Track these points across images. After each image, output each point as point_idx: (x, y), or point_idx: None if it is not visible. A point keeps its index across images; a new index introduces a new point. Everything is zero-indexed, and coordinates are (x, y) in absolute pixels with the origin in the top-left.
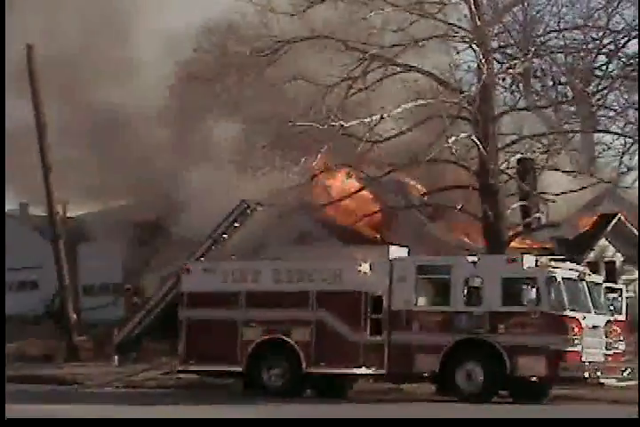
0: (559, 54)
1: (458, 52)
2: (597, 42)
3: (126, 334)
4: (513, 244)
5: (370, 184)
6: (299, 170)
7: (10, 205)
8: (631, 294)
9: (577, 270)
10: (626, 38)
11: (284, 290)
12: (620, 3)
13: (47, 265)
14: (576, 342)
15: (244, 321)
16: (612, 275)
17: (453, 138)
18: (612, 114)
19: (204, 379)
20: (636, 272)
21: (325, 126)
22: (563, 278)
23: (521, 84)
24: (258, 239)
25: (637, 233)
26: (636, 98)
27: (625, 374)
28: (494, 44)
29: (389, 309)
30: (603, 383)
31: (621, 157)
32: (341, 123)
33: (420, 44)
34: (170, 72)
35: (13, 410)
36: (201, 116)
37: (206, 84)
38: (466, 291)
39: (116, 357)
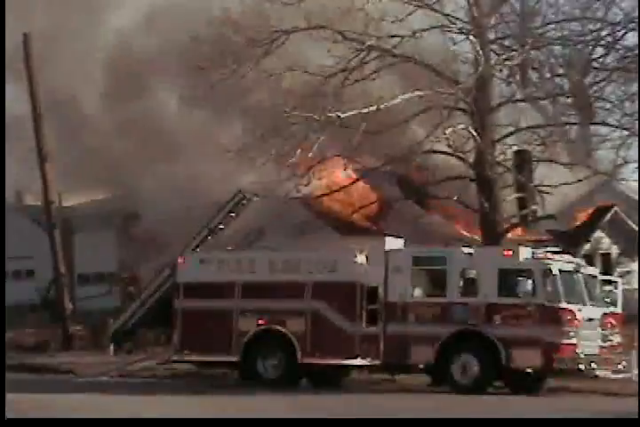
0: (557, 46)
1: (455, 44)
2: (595, 34)
3: (121, 324)
4: (509, 235)
5: (366, 175)
6: (295, 161)
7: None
8: (627, 286)
9: (573, 262)
10: (624, 30)
11: (279, 280)
12: None
13: (43, 254)
14: (571, 334)
15: (240, 311)
16: (607, 267)
17: (450, 129)
18: (609, 106)
19: (198, 369)
20: (632, 264)
21: (322, 117)
22: (559, 270)
23: (518, 76)
24: (254, 230)
25: (634, 226)
26: (633, 90)
27: (620, 366)
28: (491, 36)
29: (385, 300)
30: (598, 376)
31: (618, 150)
32: (338, 114)
33: (418, 34)
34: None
35: (8, 399)
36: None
37: (203, 74)
38: (462, 282)
39: (111, 346)
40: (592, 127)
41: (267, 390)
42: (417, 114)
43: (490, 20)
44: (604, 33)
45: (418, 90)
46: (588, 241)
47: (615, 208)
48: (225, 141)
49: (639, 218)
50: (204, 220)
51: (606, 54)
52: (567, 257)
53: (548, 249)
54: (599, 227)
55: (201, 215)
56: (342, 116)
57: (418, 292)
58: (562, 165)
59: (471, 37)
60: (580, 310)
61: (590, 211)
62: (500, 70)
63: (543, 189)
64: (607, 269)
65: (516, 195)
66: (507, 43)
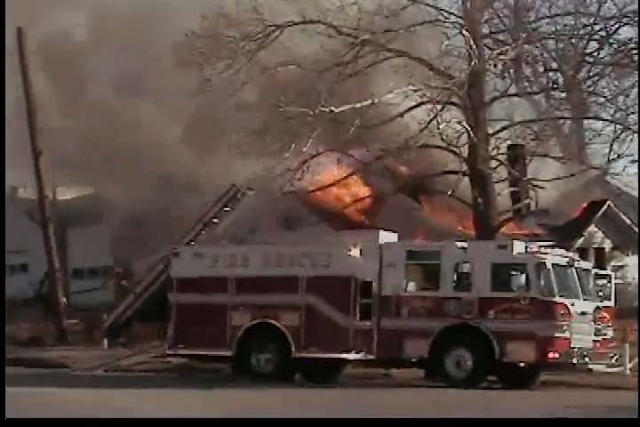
0: (550, 40)
1: (449, 38)
2: (589, 28)
3: (116, 318)
4: (503, 230)
5: (360, 169)
6: (289, 155)
7: None
8: (620, 280)
9: (566, 257)
10: (617, 25)
11: (273, 275)
12: None
13: (37, 248)
14: (565, 328)
15: (234, 306)
16: (600, 261)
17: (444, 124)
18: (602, 100)
19: (193, 363)
20: (625, 258)
21: (316, 112)
22: (552, 264)
23: (512, 71)
24: (248, 224)
25: (627, 220)
26: (627, 84)
27: (613, 360)
28: (485, 30)
29: (379, 294)
30: (591, 369)
31: (611, 144)
32: (332, 108)
33: (411, 29)
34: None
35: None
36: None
37: (197, 69)
38: (455, 276)
39: (105, 340)
40: (585, 122)
41: (260, 385)
42: (410, 108)
43: (483, 15)
44: (597, 27)
45: (411, 84)
46: (582, 235)
47: (608, 203)
48: (219, 136)
49: (639, 213)
50: (199, 214)
51: (600, 49)
52: (561, 251)
53: (542, 243)
54: (593, 221)
55: (195, 210)
56: (336, 110)
57: (412, 286)
58: (555, 159)
59: (464, 32)
60: (573, 304)
61: (584, 205)
62: (494, 65)
63: (537, 183)
64: (600, 264)
65: (510, 189)
66: (500, 37)
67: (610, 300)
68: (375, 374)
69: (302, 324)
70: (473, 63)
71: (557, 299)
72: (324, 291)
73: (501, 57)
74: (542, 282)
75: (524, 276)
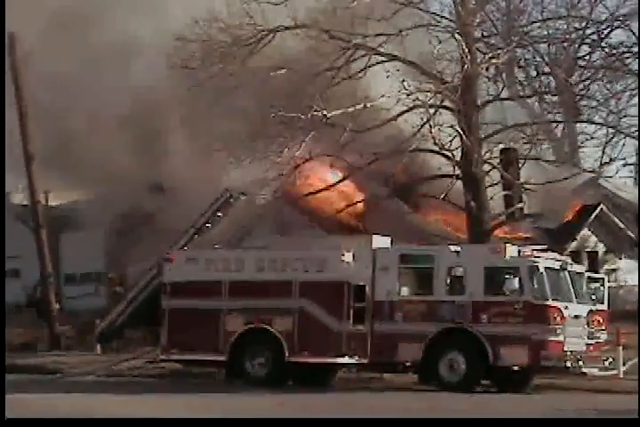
0: (542, 44)
1: (441, 42)
2: (580, 32)
3: (108, 323)
4: (496, 233)
5: (353, 174)
6: (282, 159)
7: None
8: (613, 283)
9: (559, 260)
10: (609, 28)
11: (266, 279)
12: None
13: (29, 254)
14: (558, 331)
15: (227, 310)
16: (594, 265)
17: (437, 127)
18: (594, 104)
19: (186, 368)
20: (618, 262)
21: (308, 116)
22: (545, 268)
23: (504, 74)
24: (241, 229)
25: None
26: (619, 88)
27: (606, 363)
28: (477, 34)
29: (372, 298)
30: (585, 373)
31: (604, 148)
32: (324, 112)
33: (404, 33)
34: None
35: None
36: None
37: (189, 74)
38: (449, 280)
39: (98, 345)
40: (578, 125)
41: (254, 389)
42: (403, 112)
43: (475, 19)
44: (589, 31)
45: (404, 88)
46: (575, 239)
47: (601, 206)
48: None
49: (639, 216)
50: (191, 219)
51: (592, 52)
52: (554, 255)
53: (535, 247)
54: (585, 225)
55: (188, 215)
56: (329, 114)
57: (405, 290)
58: (548, 162)
59: (457, 36)
60: (566, 308)
61: (577, 209)
62: (486, 69)
63: (530, 186)
64: (593, 267)
65: (503, 193)
66: (492, 41)
67: (603, 303)
68: (369, 379)
69: (296, 328)
70: (465, 67)
71: (551, 302)
72: (318, 295)
73: (494, 61)
74: (535, 286)
75: (517, 279)
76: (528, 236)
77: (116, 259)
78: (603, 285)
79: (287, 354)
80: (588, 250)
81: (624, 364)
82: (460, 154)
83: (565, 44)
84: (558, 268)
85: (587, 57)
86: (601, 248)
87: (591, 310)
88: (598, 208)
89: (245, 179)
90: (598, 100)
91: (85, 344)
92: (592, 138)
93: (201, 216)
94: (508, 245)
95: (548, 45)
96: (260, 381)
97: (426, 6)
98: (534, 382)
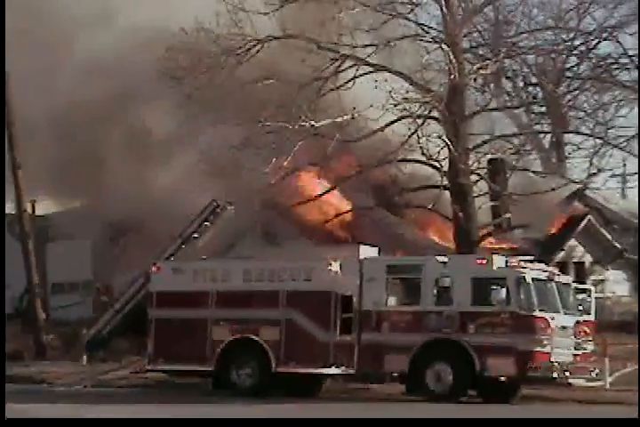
0: (530, 55)
1: (428, 52)
2: (568, 43)
3: (95, 333)
4: (483, 244)
5: (340, 184)
6: (270, 169)
7: None
8: (600, 294)
9: (546, 271)
10: (597, 40)
11: (253, 289)
12: (591, 4)
13: (16, 263)
14: (545, 342)
15: (214, 320)
16: (581, 275)
17: (424, 138)
18: (582, 115)
19: (172, 378)
20: (605, 273)
21: (296, 126)
22: (532, 279)
23: (492, 85)
24: (228, 239)
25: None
26: (606, 99)
27: (593, 374)
28: (465, 45)
29: (359, 308)
30: (571, 384)
31: (591, 159)
32: (312, 122)
33: (392, 43)
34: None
35: None
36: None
37: (177, 84)
38: (436, 291)
39: (84, 355)
40: (565, 136)
41: (241, 400)
42: (391, 123)
43: (463, 30)
44: (577, 42)
45: (392, 99)
46: (562, 249)
47: (589, 217)
48: (199, 151)
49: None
50: (178, 229)
51: (579, 64)
52: (541, 265)
53: (522, 258)
54: (573, 235)
55: (175, 225)
56: (317, 124)
57: (392, 300)
58: (535, 173)
59: (444, 46)
60: (553, 319)
61: (564, 220)
62: (474, 79)
63: (517, 197)
64: (581, 278)
65: (491, 203)
66: (480, 52)
67: (590, 314)
68: (355, 389)
69: (283, 338)
70: (452, 77)
71: (537, 313)
72: (305, 306)
73: (481, 71)
74: (522, 296)
75: (504, 290)
76: (515, 246)
77: (102, 268)
78: (590, 295)
79: (274, 364)
80: (575, 261)
81: (610, 375)
82: (447, 164)
83: (553, 55)
84: (545, 278)
85: (574, 68)
86: (588, 259)
87: (578, 321)
88: (585, 219)
89: (233, 189)
90: (586, 111)
91: (72, 354)
92: (579, 149)
93: (188, 226)
94: (495, 255)
95: (536, 56)
96: (247, 391)
97: (414, 17)
98: (520, 393)
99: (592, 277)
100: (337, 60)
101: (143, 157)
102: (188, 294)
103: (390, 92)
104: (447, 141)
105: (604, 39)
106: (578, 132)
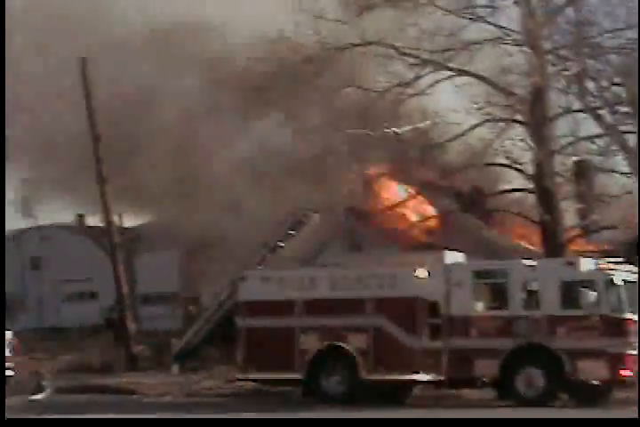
0: (613, 55)
1: (510, 55)
2: None
3: (185, 343)
4: (571, 247)
5: (425, 189)
6: (353, 177)
7: (66, 216)
8: None
9: (635, 273)
10: None
11: (340, 297)
12: None
13: (105, 276)
14: (636, 344)
15: (302, 329)
16: None
17: (508, 141)
18: None
19: (263, 387)
20: None
21: (378, 133)
22: (622, 281)
23: (575, 86)
24: (313, 247)
25: None
26: None
27: None
28: (547, 46)
29: (447, 314)
30: None
31: None
32: (394, 129)
33: (472, 47)
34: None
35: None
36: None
37: (259, 93)
38: (524, 295)
39: (174, 366)
40: None
41: (330, 408)
42: (474, 127)
43: (544, 31)
44: None
45: (474, 103)
46: None
47: None
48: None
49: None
50: (263, 238)
51: None
52: (630, 267)
53: (611, 259)
54: None
55: (261, 234)
56: (399, 131)
57: (480, 305)
58: (622, 174)
59: (526, 49)
60: None
61: None
62: (557, 81)
63: (604, 198)
64: None
65: (577, 205)
66: (562, 53)
67: None
68: (445, 396)
69: (370, 346)
70: (535, 80)
71: (628, 315)
72: (392, 312)
73: (564, 72)
74: (612, 299)
75: (593, 293)
76: (603, 248)
77: (189, 279)
78: None
79: (363, 372)
80: None
81: None
82: (532, 167)
83: (636, 54)
84: (634, 280)
85: None
86: None
87: None
88: None
89: (317, 197)
90: None
91: (162, 364)
92: None
93: (274, 235)
94: (583, 258)
95: (619, 56)
96: (337, 399)
97: (494, 20)
98: (613, 397)
99: None
100: (417, 65)
101: (226, 169)
102: (275, 303)
103: (472, 96)
104: (531, 144)
105: None
106: None
